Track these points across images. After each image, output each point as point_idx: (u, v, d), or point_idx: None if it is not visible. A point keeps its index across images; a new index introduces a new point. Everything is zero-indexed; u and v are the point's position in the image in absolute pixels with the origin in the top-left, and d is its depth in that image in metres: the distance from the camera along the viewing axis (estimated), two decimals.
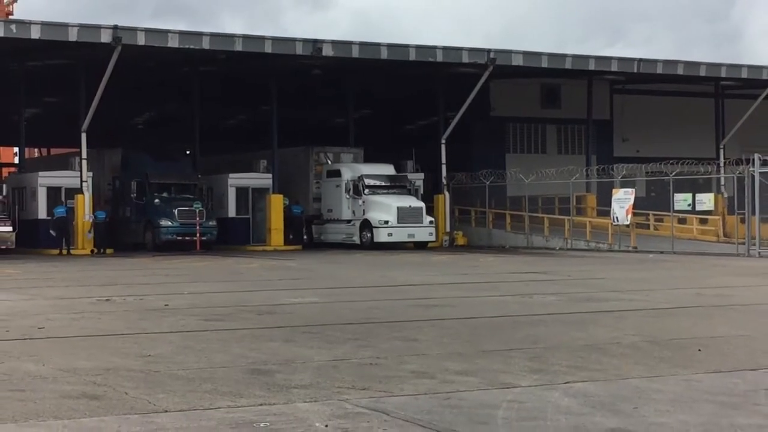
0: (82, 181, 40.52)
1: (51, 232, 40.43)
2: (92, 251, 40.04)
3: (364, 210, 43.54)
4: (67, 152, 51.88)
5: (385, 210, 42.99)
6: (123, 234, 43.76)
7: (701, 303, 18.33)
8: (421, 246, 43.13)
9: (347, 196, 44.16)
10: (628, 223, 40.13)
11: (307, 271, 29.20)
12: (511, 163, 51.16)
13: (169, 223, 42.18)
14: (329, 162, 46.16)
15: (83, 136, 40.20)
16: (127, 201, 44.40)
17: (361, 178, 44.05)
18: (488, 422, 8.23)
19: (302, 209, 45.56)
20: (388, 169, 45.80)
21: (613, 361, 11.33)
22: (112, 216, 42.96)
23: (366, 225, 43.27)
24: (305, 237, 45.95)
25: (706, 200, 41.34)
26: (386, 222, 42.72)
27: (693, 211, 42.39)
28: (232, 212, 45.61)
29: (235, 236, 44.54)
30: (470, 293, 20.76)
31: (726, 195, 48.08)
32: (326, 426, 8.04)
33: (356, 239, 43.59)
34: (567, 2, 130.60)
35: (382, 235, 42.68)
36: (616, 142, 56.11)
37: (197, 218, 41.99)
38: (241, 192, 45.98)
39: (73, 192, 40.81)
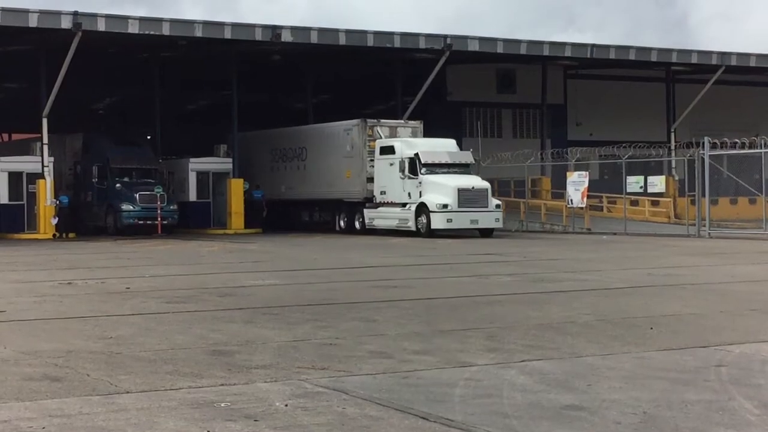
0: (43, 166, 40.32)
1: None
2: (54, 235, 39.91)
3: (420, 192, 37.82)
4: (28, 137, 51.50)
5: (443, 192, 37.21)
6: (85, 218, 43.71)
7: (653, 282, 18.59)
8: (486, 234, 37.86)
9: (401, 176, 38.32)
10: (583, 205, 40.53)
11: (268, 253, 29.22)
12: (468, 146, 51.29)
13: (131, 207, 42.09)
14: (382, 137, 40.52)
15: (44, 121, 39.98)
16: (89, 186, 44.29)
17: (417, 155, 38.22)
18: (446, 400, 8.37)
19: (263, 193, 45.24)
20: (450, 145, 40.23)
21: (567, 340, 11.52)
22: (73, 200, 42.79)
23: (422, 209, 37.64)
24: (354, 222, 41.33)
25: (657, 182, 41.83)
26: (445, 206, 37.04)
27: (645, 193, 42.95)
28: (193, 196, 45.54)
29: (196, 220, 44.50)
30: (428, 274, 20.91)
31: (677, 177, 48.76)
32: (286, 405, 8.16)
33: (411, 225, 38.01)
34: None
35: (439, 221, 37.17)
36: (570, 126, 56.48)
37: (158, 202, 41.95)
38: (202, 176, 45.93)
39: (34, 177, 40.62)
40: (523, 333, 12.04)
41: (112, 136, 46.36)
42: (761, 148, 36.41)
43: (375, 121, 41.33)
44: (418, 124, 41.81)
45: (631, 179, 41.05)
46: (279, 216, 45.62)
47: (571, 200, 40.62)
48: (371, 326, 12.74)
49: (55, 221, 40.01)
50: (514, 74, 54.64)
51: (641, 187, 41.40)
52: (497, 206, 38.19)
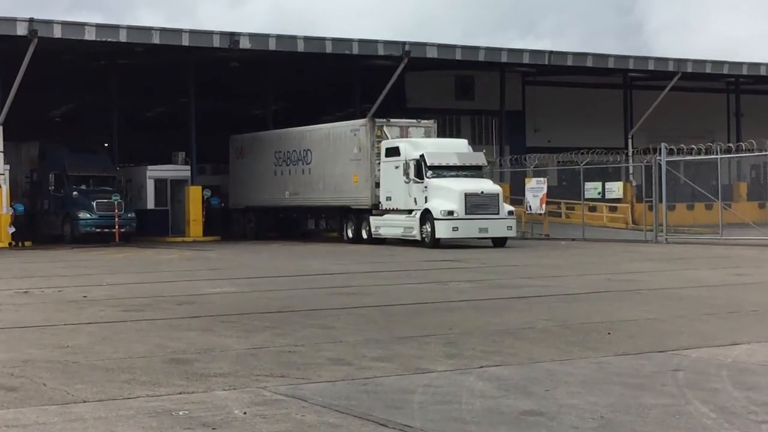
0: None
1: None
2: (10, 244, 39.54)
3: (426, 197, 34.67)
4: None
5: (449, 197, 34.05)
6: (41, 226, 43.31)
7: (611, 288, 18.71)
8: (498, 243, 34.85)
9: (406, 180, 35.11)
10: (542, 211, 40.68)
11: (226, 261, 29.12)
12: None
13: (88, 215, 41.78)
14: (390, 138, 37.29)
15: None
16: (45, 193, 43.90)
17: (422, 156, 34.98)
18: (404, 407, 8.37)
19: (220, 200, 45.04)
20: (460, 145, 37.22)
21: (526, 346, 11.56)
22: (29, 209, 42.42)
23: (427, 216, 34.25)
24: (362, 231, 38.06)
25: (615, 188, 42.11)
26: (450, 213, 33.80)
27: (603, 199, 43.17)
28: (150, 204, 45.29)
29: (154, 228, 44.19)
30: (387, 281, 20.91)
31: (634, 183, 48.98)
32: (245, 413, 8.14)
33: (416, 234, 34.62)
34: None
35: (444, 230, 33.76)
36: (529, 133, 56.68)
37: (116, 210, 41.66)
38: (160, 184, 45.69)
39: None
40: (482, 339, 12.06)
41: (69, 143, 45.97)
42: (717, 155, 36.75)
43: (384, 120, 38.46)
44: (431, 124, 38.83)
45: (589, 185, 41.27)
46: (281, 223, 44.40)
47: (530, 206, 40.76)
48: (330, 333, 12.73)
49: (11, 230, 39.60)
50: (473, 81, 54.86)
51: (599, 193, 41.65)
52: (510, 213, 35.07)
